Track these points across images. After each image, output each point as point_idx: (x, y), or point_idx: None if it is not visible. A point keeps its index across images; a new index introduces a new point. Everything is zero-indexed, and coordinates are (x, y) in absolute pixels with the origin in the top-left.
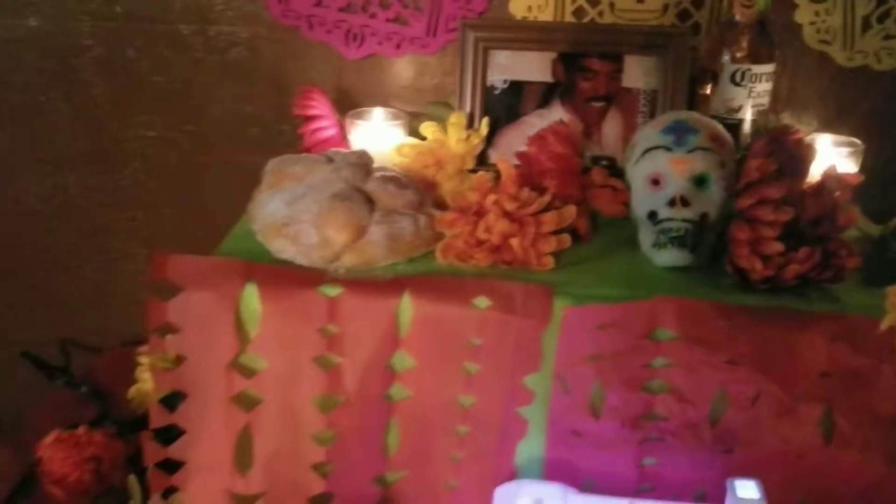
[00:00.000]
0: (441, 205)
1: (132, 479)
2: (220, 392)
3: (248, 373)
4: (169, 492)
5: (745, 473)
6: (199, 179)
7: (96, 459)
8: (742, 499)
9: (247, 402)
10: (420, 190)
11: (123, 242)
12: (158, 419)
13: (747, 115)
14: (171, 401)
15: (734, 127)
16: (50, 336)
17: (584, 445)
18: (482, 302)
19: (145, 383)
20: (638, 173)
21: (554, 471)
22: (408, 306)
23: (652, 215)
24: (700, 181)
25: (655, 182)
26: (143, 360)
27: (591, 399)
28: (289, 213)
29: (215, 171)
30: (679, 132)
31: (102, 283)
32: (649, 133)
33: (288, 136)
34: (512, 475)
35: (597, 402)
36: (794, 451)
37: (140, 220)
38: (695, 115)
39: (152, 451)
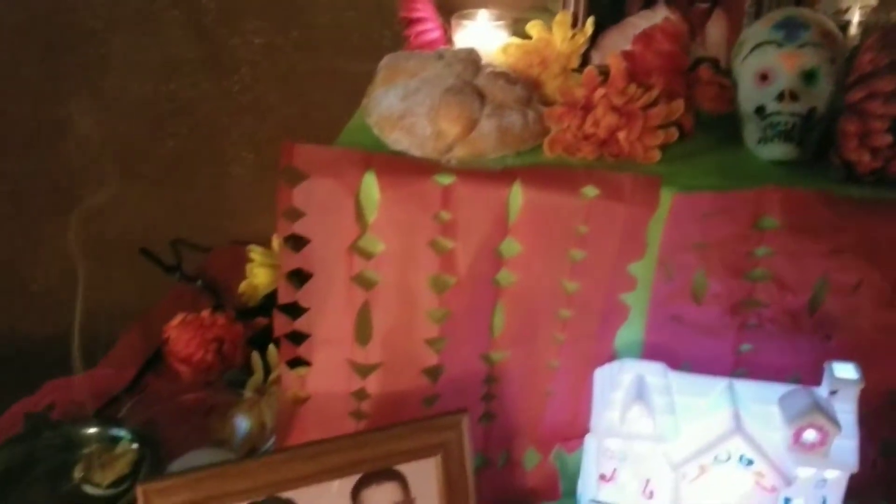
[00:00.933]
0: (546, 103)
1: (255, 355)
2: (342, 272)
3: (367, 255)
4: (295, 362)
5: (843, 360)
6: (304, 86)
7: (219, 340)
8: (840, 379)
9: (366, 282)
10: (528, 86)
11: (233, 147)
12: (286, 296)
13: (855, 17)
14: (297, 279)
15: (842, 29)
16: (164, 236)
17: (684, 331)
18: (591, 191)
19: (256, 278)
20: (746, 69)
21: (652, 354)
22: (518, 195)
23: (759, 110)
24: (809, 76)
25: (764, 77)
26: (255, 256)
27: (694, 286)
28: (404, 107)
29: (320, 77)
30: (790, 28)
31: (213, 186)
32: (759, 29)
33: (388, 42)
34: (612, 358)
35: (699, 289)
36: (894, 339)
37: (248, 125)
38: (806, 12)
39: (281, 324)
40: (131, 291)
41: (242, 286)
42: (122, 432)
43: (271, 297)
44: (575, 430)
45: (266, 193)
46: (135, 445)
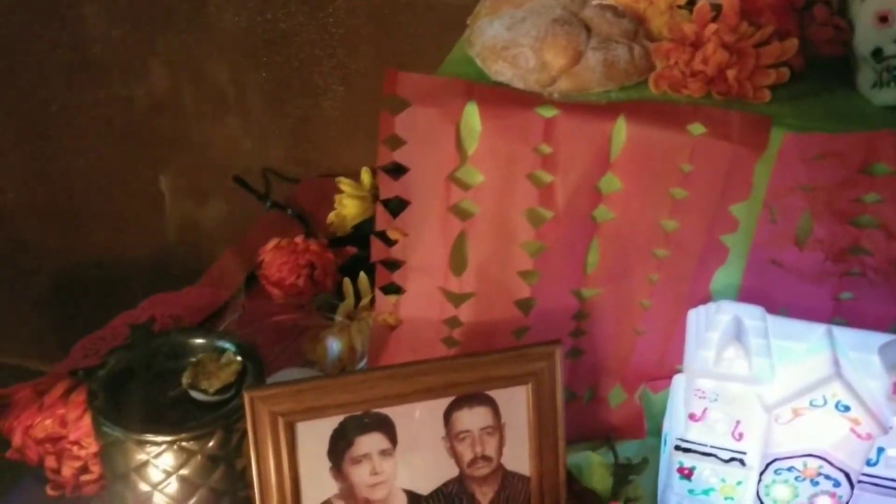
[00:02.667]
0: (651, 39)
1: (346, 282)
2: (439, 202)
3: (465, 186)
4: (389, 288)
5: None
6: (399, 19)
7: (311, 266)
8: None
9: (463, 213)
10: (634, 20)
11: (324, 79)
12: (382, 222)
13: None
14: (395, 207)
15: None
16: (255, 165)
17: (783, 276)
18: (697, 129)
19: (345, 209)
20: (865, 10)
21: (749, 298)
22: (622, 130)
23: (876, 53)
24: None
25: (884, 19)
26: (344, 187)
27: (798, 230)
28: (509, 37)
29: (415, 10)
30: None
31: (303, 118)
32: None
33: None
34: (706, 300)
35: (802, 233)
36: None
37: (340, 58)
38: None
39: (378, 250)
40: (223, 218)
41: (331, 217)
42: (227, 344)
43: (360, 227)
44: (662, 371)
45: (355, 128)
46: (238, 358)
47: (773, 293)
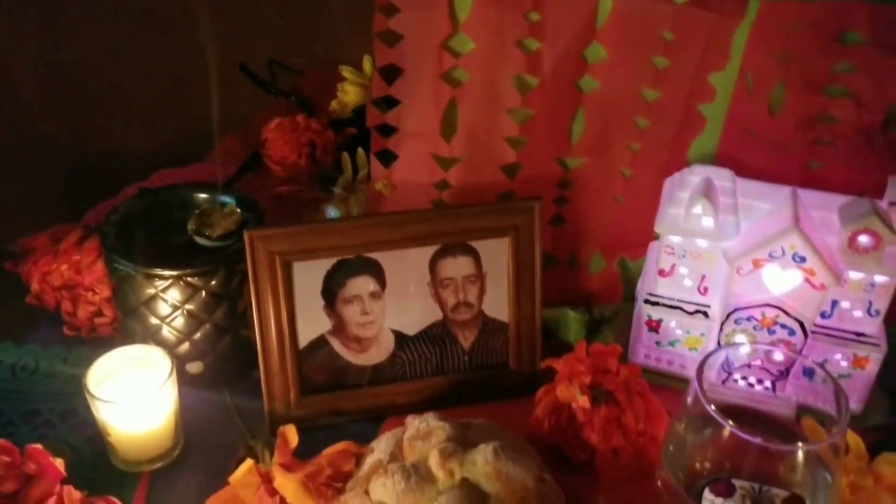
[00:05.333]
0: None
1: (345, 156)
2: (431, 69)
3: (456, 53)
4: (384, 154)
5: None
6: None
7: (312, 144)
8: None
9: (453, 80)
10: None
11: None
12: (378, 90)
13: None
14: (390, 74)
15: None
16: (260, 56)
17: (756, 145)
18: None
19: (346, 95)
20: None
21: (723, 166)
22: (608, 0)
23: None
24: None
25: None
26: (346, 74)
27: (771, 99)
28: None
29: None
30: None
31: (308, 10)
32: None
33: None
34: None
35: (776, 102)
36: None
37: None
38: None
39: (374, 116)
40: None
41: (333, 104)
42: (228, 198)
43: (360, 110)
44: (641, 238)
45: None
46: (239, 210)
47: (746, 161)
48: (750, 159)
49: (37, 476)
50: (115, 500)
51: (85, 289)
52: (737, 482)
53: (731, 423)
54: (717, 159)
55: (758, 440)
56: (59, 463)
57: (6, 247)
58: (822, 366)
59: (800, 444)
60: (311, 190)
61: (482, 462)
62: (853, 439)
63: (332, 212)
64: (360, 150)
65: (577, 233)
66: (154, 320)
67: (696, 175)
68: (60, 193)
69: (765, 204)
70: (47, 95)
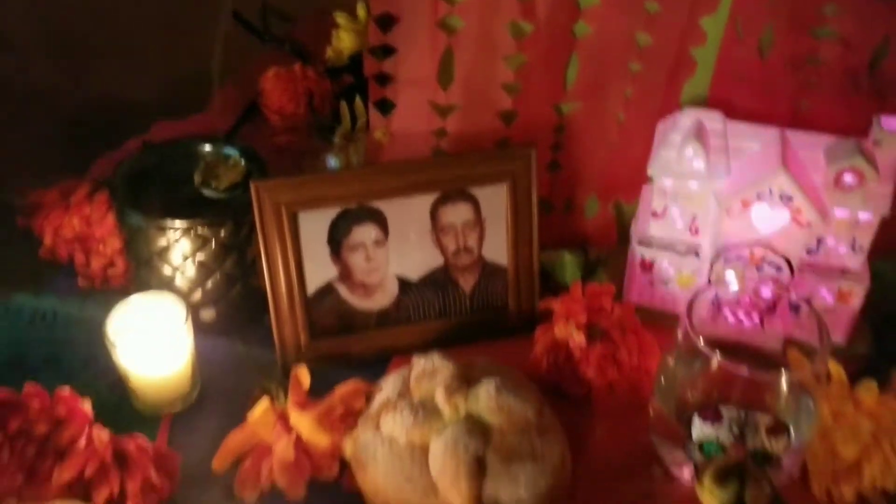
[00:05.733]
0: None
1: (343, 105)
2: (427, 17)
3: (452, 1)
4: (382, 103)
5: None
6: None
7: (309, 94)
8: (885, 130)
9: (449, 28)
10: None
11: None
12: (375, 38)
13: None
14: (386, 23)
15: None
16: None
17: (746, 87)
18: None
19: (341, 42)
20: None
21: (714, 109)
22: None
23: None
24: None
25: None
26: (341, 21)
27: (761, 41)
28: None
29: None
30: None
31: None
32: None
33: None
34: (676, 111)
35: (765, 45)
36: None
37: None
38: None
39: (371, 65)
40: (224, 55)
41: (329, 51)
42: (232, 150)
43: (356, 58)
44: (635, 182)
45: None
46: (243, 162)
47: (736, 104)
48: (740, 101)
49: (67, 418)
50: (142, 436)
51: (96, 241)
52: (724, 409)
53: (718, 354)
54: (709, 102)
55: (744, 370)
56: (87, 405)
57: (9, 199)
58: (807, 301)
59: (783, 372)
60: (310, 139)
61: (485, 397)
62: (835, 368)
63: (332, 161)
64: (358, 100)
65: (573, 178)
66: (167, 270)
67: (687, 118)
68: (59, 143)
69: (754, 145)
70: (40, 41)
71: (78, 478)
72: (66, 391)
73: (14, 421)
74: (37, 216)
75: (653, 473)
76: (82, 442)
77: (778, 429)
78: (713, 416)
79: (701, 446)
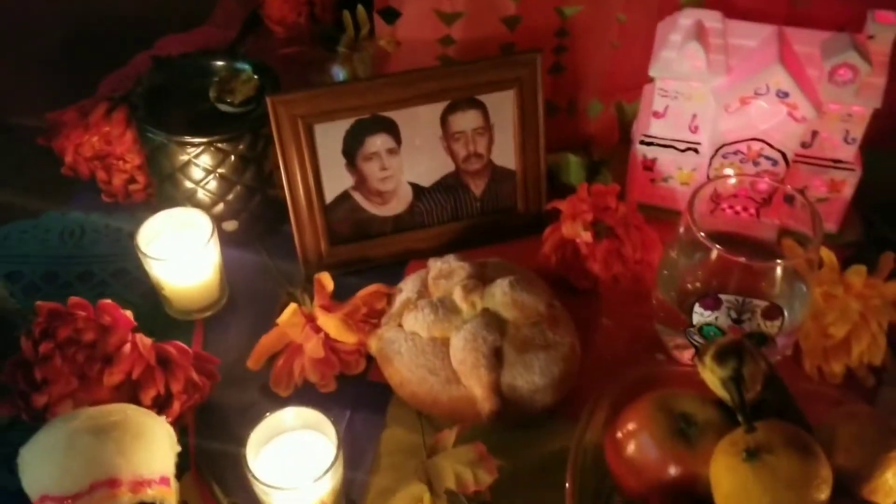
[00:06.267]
0: None
1: (346, 14)
2: None
3: None
4: (387, 12)
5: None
6: None
7: (310, 3)
8: (878, 24)
9: None
10: None
11: None
12: None
13: None
14: None
15: None
16: None
17: None
18: None
19: None
20: None
21: (713, 8)
22: None
23: None
24: None
25: None
26: None
27: None
28: None
29: None
30: None
31: None
32: None
33: None
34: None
35: None
36: None
37: None
38: None
39: None
40: None
41: None
42: (244, 65)
43: None
44: (636, 82)
45: None
46: (256, 76)
47: (734, 2)
48: (738, 0)
49: (111, 326)
50: (180, 343)
51: (117, 158)
52: (723, 297)
53: (717, 245)
54: (707, 1)
55: (741, 259)
56: (129, 314)
57: (26, 121)
58: (801, 192)
59: (778, 260)
60: (315, 50)
61: (500, 294)
62: (826, 255)
63: (338, 71)
64: (361, 8)
65: (576, 80)
66: (189, 184)
67: (687, 18)
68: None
69: (752, 43)
70: None
71: (126, 380)
72: (108, 301)
73: (63, 330)
74: (56, 136)
75: (656, 358)
76: (127, 347)
77: (773, 312)
78: (713, 303)
79: (701, 331)
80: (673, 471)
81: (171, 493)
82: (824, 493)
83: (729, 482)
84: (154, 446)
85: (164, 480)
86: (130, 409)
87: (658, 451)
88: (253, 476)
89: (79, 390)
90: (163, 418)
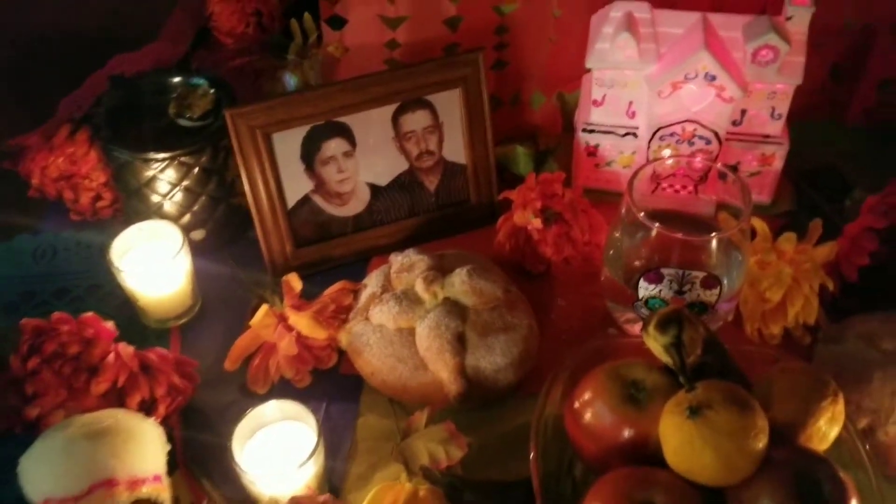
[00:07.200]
0: None
1: (293, 22)
2: None
3: None
4: (334, 20)
5: None
6: None
7: (257, 13)
8: (795, 6)
9: None
10: None
11: None
12: None
13: None
14: None
15: None
16: None
17: None
18: None
19: None
20: None
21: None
22: None
23: None
24: None
25: None
26: None
27: None
28: None
29: None
30: None
31: None
32: None
33: None
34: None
35: None
36: None
37: None
38: None
39: None
40: None
41: None
42: (200, 80)
43: None
44: (574, 73)
45: None
46: (212, 90)
47: None
48: None
49: (94, 338)
50: (161, 349)
51: (82, 177)
52: (664, 271)
53: (657, 224)
54: None
55: (678, 235)
56: (111, 325)
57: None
58: (732, 168)
59: (713, 233)
60: (265, 59)
61: (459, 283)
62: (759, 224)
63: (289, 78)
64: (308, 15)
65: (518, 74)
66: (156, 198)
67: (617, 10)
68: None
69: (679, 30)
70: None
71: (112, 388)
72: (90, 314)
73: (49, 345)
74: (22, 159)
75: (608, 332)
76: (111, 357)
77: (711, 282)
78: (655, 277)
79: (647, 303)
80: (627, 433)
81: (164, 489)
82: (762, 442)
83: (676, 439)
84: (146, 447)
85: (157, 478)
86: (120, 414)
87: (612, 417)
88: (240, 468)
89: (68, 400)
90: (152, 420)
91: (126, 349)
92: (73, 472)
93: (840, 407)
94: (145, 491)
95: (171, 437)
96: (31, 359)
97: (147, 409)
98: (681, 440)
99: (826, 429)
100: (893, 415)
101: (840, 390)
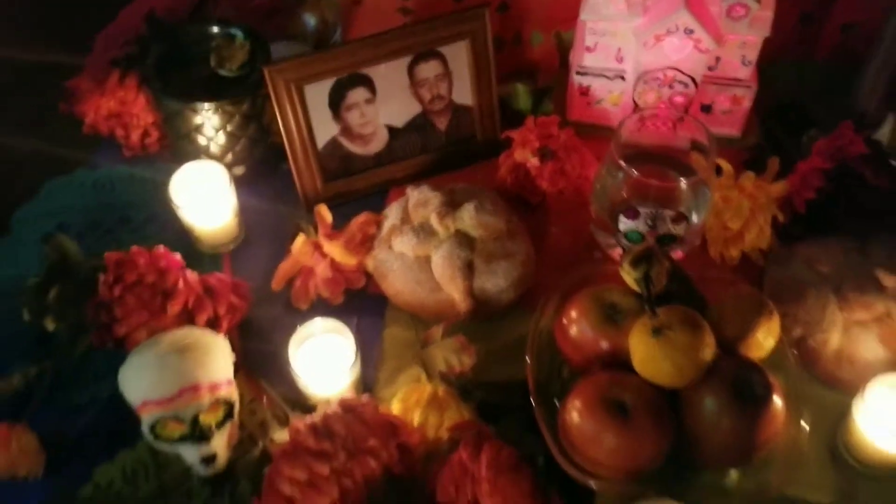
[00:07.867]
0: None
1: None
2: None
3: None
4: None
5: None
6: None
7: None
8: None
9: None
10: None
11: None
12: None
13: None
14: None
15: None
16: None
17: None
18: None
19: None
20: None
21: None
22: None
23: None
24: None
25: None
26: None
27: None
28: None
29: None
30: None
31: None
32: None
33: None
34: None
35: None
36: None
37: None
38: None
39: None
40: None
41: None
42: (236, 30)
43: None
44: (570, 14)
45: None
46: (247, 41)
47: None
48: None
49: (166, 268)
50: (218, 273)
51: (132, 116)
52: (640, 209)
53: (634, 170)
54: None
55: (653, 181)
56: (178, 256)
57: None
58: (706, 107)
59: (681, 180)
60: None
61: (468, 217)
62: (724, 164)
63: (309, 20)
64: None
65: (519, 15)
66: (202, 140)
67: None
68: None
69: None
70: None
71: (183, 309)
72: (161, 248)
73: (130, 275)
74: (77, 101)
75: (594, 256)
76: (181, 283)
77: (679, 218)
78: (632, 213)
79: (626, 235)
80: (604, 346)
81: (234, 390)
82: (709, 355)
83: (641, 352)
84: (219, 357)
85: (230, 382)
86: (198, 331)
87: (593, 332)
88: (295, 373)
89: (149, 320)
90: (221, 335)
91: (192, 275)
92: (166, 380)
93: (775, 323)
94: (222, 393)
95: (233, 347)
96: (115, 286)
97: (212, 325)
98: (646, 353)
99: (762, 340)
100: (822, 325)
101: (775, 309)
